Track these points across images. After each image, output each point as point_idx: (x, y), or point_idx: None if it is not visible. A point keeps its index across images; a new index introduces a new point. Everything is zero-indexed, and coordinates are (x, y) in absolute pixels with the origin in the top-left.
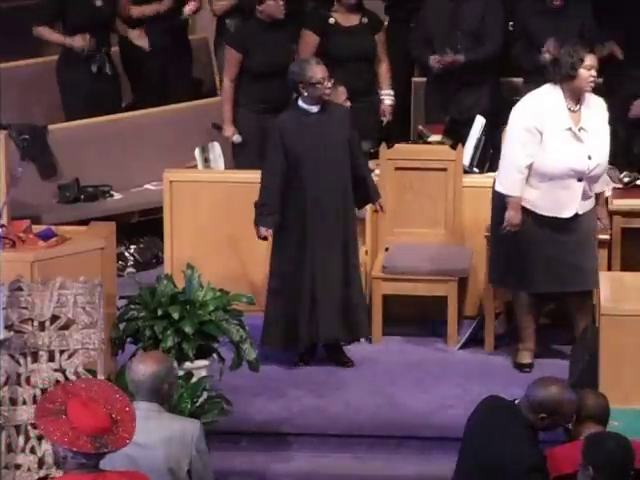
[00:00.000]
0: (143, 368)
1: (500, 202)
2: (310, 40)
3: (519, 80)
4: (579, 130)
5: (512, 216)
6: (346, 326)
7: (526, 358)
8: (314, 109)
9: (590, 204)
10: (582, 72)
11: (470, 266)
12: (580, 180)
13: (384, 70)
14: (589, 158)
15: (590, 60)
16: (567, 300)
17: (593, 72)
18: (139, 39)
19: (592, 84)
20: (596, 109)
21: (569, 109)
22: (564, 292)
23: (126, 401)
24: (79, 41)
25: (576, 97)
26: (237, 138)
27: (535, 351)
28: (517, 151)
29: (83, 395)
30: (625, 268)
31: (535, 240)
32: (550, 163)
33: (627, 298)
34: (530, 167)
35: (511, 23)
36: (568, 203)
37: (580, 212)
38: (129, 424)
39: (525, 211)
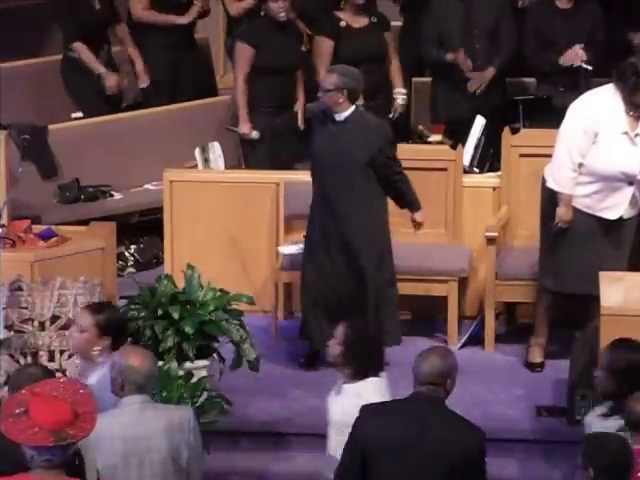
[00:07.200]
0: (132, 361)
1: (549, 199)
2: (325, 45)
3: (527, 80)
4: (635, 136)
5: (563, 213)
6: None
7: (537, 357)
8: (339, 117)
9: (636, 211)
10: None
11: (470, 266)
12: (631, 184)
13: (395, 68)
14: None
15: None
16: (587, 303)
17: None
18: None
19: None
20: None
21: (628, 113)
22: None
23: (90, 396)
24: (112, 80)
25: (636, 104)
26: (255, 134)
27: (546, 349)
28: (571, 149)
29: (47, 394)
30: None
31: (576, 241)
32: (602, 165)
33: (627, 298)
34: (581, 166)
35: None
36: (615, 205)
37: (625, 216)
38: (90, 415)
39: (573, 209)
